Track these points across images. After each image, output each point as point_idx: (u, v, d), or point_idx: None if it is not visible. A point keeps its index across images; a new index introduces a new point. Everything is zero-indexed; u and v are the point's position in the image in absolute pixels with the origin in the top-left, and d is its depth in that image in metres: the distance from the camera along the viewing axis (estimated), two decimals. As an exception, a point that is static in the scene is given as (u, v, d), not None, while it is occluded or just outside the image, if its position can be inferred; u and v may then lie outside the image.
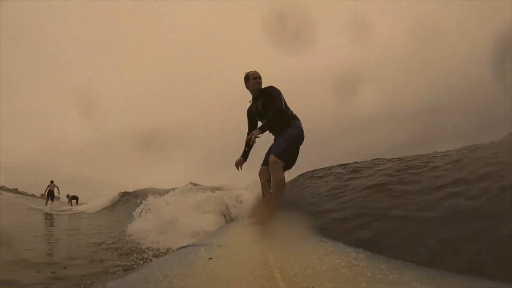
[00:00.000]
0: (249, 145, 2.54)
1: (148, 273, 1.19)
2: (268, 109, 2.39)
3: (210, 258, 1.26)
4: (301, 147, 2.46)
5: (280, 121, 2.34)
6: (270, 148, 2.51)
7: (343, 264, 1.10)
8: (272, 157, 2.23)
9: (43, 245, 3.07)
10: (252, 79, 2.48)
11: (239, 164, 2.56)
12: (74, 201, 15.14)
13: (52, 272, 1.80)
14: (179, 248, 1.78)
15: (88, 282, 1.54)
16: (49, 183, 12.73)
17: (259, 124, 2.58)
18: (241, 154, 2.58)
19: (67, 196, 15.44)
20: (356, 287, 0.90)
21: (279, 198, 2.25)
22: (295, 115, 2.45)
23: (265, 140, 2.58)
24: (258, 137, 2.25)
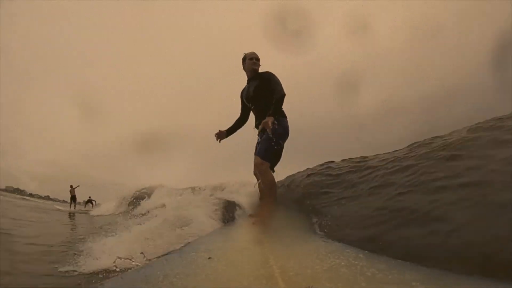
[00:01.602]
0: (234, 129, 2.52)
1: (148, 272, 1.19)
2: (259, 94, 2.31)
3: (210, 258, 1.26)
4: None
5: (266, 110, 2.20)
6: (257, 147, 2.45)
7: (343, 264, 1.10)
8: (257, 159, 2.19)
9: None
10: (248, 60, 2.40)
11: (220, 136, 2.48)
12: (89, 204, 16.13)
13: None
14: (179, 248, 1.78)
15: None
16: (70, 189, 14.37)
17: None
18: (227, 128, 2.51)
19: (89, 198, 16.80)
20: (356, 287, 0.90)
21: (273, 198, 2.23)
22: (283, 111, 2.34)
23: (250, 139, 2.56)
24: (275, 123, 2.09)
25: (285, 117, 2.35)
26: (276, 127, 2.09)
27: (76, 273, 1.59)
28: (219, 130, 2.49)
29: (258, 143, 2.45)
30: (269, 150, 2.19)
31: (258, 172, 2.19)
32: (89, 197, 16.47)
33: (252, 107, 2.46)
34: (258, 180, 2.50)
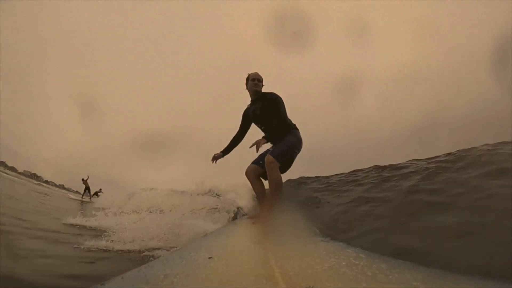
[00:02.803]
0: (230, 148, 2.59)
1: (148, 272, 1.19)
2: (266, 115, 2.39)
3: (210, 258, 1.26)
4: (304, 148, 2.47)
5: (279, 130, 2.36)
6: (264, 152, 2.50)
7: (344, 263, 1.10)
8: (269, 157, 2.23)
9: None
10: (251, 81, 2.47)
11: (216, 158, 2.58)
12: (96, 195, 17.21)
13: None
14: (179, 248, 1.78)
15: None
16: (82, 181, 15.63)
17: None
18: (222, 150, 2.60)
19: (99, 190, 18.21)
20: (356, 286, 0.90)
21: (276, 197, 2.25)
22: (294, 124, 2.48)
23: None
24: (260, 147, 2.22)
25: (297, 129, 2.48)
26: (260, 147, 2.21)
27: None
28: (216, 154, 2.59)
29: (263, 153, 2.49)
30: (283, 154, 2.27)
31: (267, 169, 2.22)
32: (100, 189, 17.49)
33: (262, 128, 2.53)
34: (250, 182, 2.53)
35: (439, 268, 1.08)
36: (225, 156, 2.66)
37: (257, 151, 2.21)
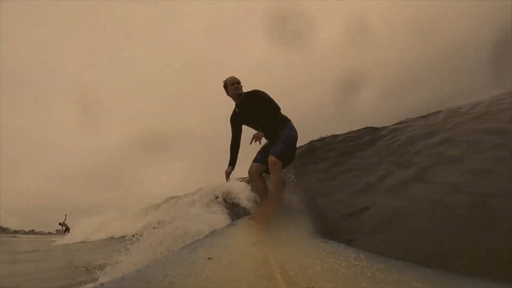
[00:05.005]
0: (235, 158, 2.56)
1: (148, 273, 1.19)
2: (261, 113, 2.39)
3: (210, 258, 1.26)
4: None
5: (274, 124, 2.39)
6: (264, 147, 2.53)
7: (343, 264, 1.10)
8: (272, 158, 2.23)
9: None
10: (230, 86, 2.43)
11: (228, 174, 2.57)
12: (66, 231, 16.45)
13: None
14: (180, 248, 1.78)
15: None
16: (60, 226, 15.28)
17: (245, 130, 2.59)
18: (228, 163, 2.57)
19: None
20: (356, 287, 0.90)
21: (280, 197, 2.25)
22: (286, 116, 2.50)
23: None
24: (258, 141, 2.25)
25: (291, 121, 2.49)
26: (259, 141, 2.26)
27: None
28: (226, 172, 2.57)
29: (267, 143, 2.50)
30: (284, 152, 2.28)
31: (271, 170, 2.23)
32: (65, 214, 16.28)
33: (256, 127, 2.52)
34: (254, 181, 2.54)
35: (439, 268, 1.08)
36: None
37: (260, 143, 2.25)
